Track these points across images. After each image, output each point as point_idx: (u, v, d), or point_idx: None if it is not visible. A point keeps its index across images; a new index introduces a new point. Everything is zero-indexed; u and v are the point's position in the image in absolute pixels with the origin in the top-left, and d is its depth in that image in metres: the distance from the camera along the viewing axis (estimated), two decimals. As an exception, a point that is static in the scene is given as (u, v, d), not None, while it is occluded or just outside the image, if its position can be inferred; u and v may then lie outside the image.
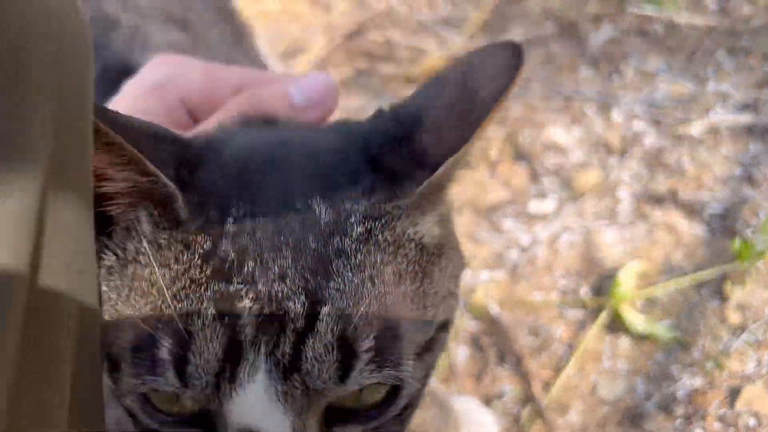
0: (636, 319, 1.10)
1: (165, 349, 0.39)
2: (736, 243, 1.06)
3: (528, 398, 1.10)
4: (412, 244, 0.44)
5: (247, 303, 0.39)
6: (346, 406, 0.42)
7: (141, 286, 0.42)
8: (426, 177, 0.44)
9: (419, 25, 1.56)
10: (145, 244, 0.43)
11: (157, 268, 0.41)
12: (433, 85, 0.50)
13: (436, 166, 0.43)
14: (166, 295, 0.40)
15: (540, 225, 1.26)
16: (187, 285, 0.40)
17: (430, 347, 0.45)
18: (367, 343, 0.40)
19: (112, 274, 0.45)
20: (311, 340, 0.38)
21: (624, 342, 1.11)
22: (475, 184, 1.30)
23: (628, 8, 1.45)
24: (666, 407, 1.04)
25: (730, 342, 1.06)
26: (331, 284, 0.39)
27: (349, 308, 0.39)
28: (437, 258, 0.46)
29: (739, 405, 1.01)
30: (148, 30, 0.84)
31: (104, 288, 0.44)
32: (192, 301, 0.39)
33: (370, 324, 0.40)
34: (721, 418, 1.01)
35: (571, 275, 1.20)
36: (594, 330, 1.12)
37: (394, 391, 0.43)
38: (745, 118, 1.27)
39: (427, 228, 0.46)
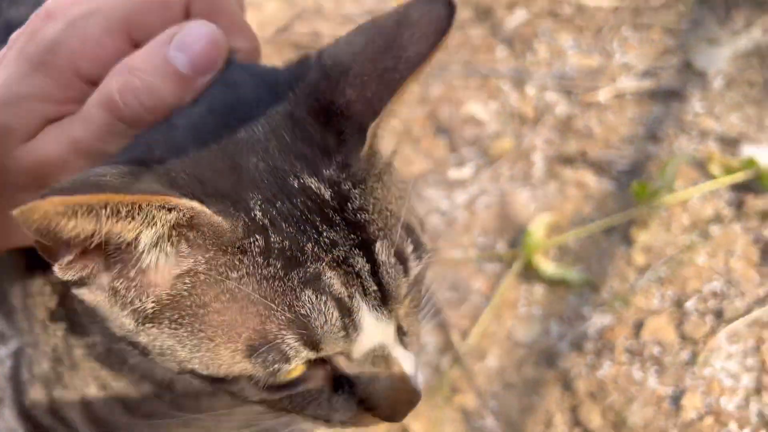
0: (548, 267, 1.15)
1: (291, 338, 0.46)
2: (634, 185, 1.11)
3: (447, 347, 1.12)
4: (385, 167, 0.53)
5: (328, 275, 0.46)
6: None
7: (224, 313, 0.46)
8: (360, 143, 0.49)
9: (345, 18, 1.62)
10: (202, 267, 0.45)
11: (234, 283, 0.46)
12: (365, 31, 0.51)
13: (363, 129, 0.49)
14: (259, 301, 0.45)
15: (459, 190, 1.30)
16: (271, 284, 0.46)
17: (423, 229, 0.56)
18: (410, 246, 0.50)
19: (173, 323, 0.47)
20: (383, 270, 0.48)
21: (538, 289, 1.15)
22: (398, 159, 1.34)
23: (540, -5, 1.54)
24: (578, 345, 1.08)
25: (637, 281, 1.11)
26: (366, 229, 0.48)
27: (387, 233, 0.49)
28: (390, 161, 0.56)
29: (645, 336, 1.05)
30: None
31: (169, 342, 0.48)
32: (287, 294, 0.46)
33: (404, 233, 0.50)
34: (628, 350, 1.05)
35: (488, 233, 1.24)
36: (509, 279, 1.15)
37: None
38: (648, 84, 1.34)
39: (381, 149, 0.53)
